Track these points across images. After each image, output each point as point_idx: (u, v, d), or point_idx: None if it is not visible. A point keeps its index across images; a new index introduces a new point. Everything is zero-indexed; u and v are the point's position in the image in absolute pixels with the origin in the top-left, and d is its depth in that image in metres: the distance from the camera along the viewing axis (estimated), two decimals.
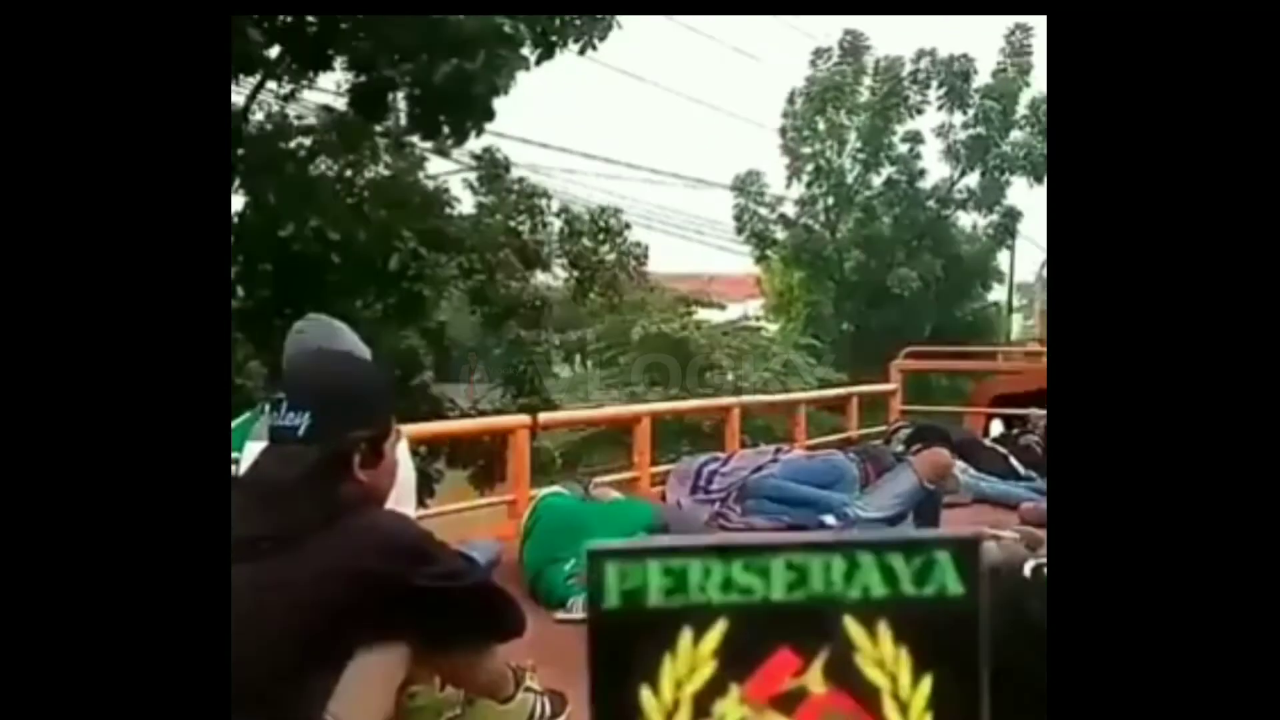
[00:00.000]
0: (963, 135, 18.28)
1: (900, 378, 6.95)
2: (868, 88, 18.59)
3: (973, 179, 18.23)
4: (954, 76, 17.85)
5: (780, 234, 19.02)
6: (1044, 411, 5.89)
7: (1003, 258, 19.37)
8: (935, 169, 18.53)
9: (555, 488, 3.83)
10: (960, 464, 4.96)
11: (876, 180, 18.61)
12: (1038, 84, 17.23)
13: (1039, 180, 16.93)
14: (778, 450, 5.00)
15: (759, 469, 4.62)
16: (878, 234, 18.38)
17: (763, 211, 19.01)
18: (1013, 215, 18.32)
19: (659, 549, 0.36)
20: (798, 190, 18.75)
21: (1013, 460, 5.36)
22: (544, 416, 4.22)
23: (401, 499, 2.26)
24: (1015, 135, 17.90)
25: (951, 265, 18.01)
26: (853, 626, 0.36)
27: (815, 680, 0.36)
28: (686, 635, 0.36)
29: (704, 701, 0.36)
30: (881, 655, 0.36)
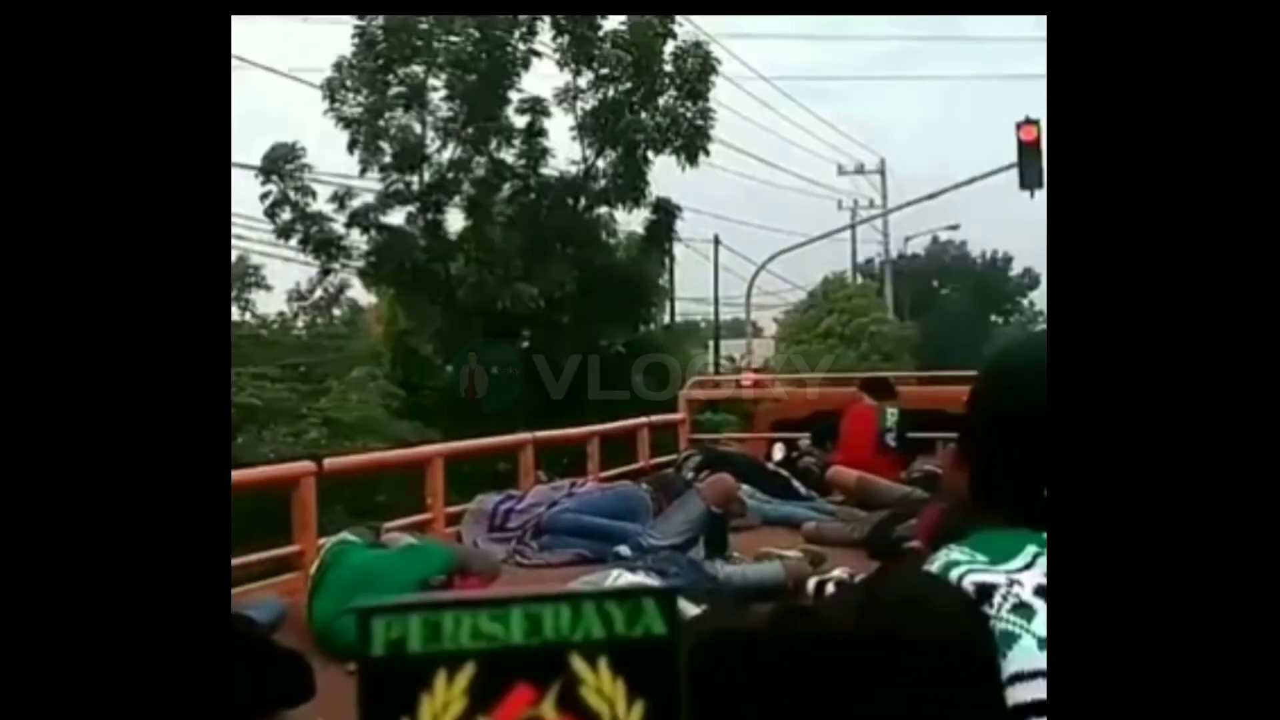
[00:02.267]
0: (592, 101, 13.83)
1: (688, 407, 7.19)
2: (459, 32, 13.11)
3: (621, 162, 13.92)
4: (576, 21, 13.27)
5: (359, 238, 13.67)
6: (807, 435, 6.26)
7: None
8: (566, 148, 14.15)
9: (344, 534, 3.75)
10: (746, 488, 5.18)
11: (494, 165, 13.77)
12: (684, 37, 13.68)
13: (692, 160, 13.65)
14: (572, 484, 5.08)
15: (554, 504, 4.69)
16: (491, 237, 13.72)
17: (322, 208, 13.51)
18: (667, 210, 14.37)
19: (419, 604, 0.43)
20: (376, 178, 13.44)
21: (794, 482, 5.65)
22: (329, 461, 4.13)
23: None
24: (660, 101, 13.75)
25: (595, 277, 13.61)
26: (578, 663, 0.44)
27: (549, 709, 0.44)
28: (441, 677, 0.43)
29: None
30: (601, 686, 0.44)
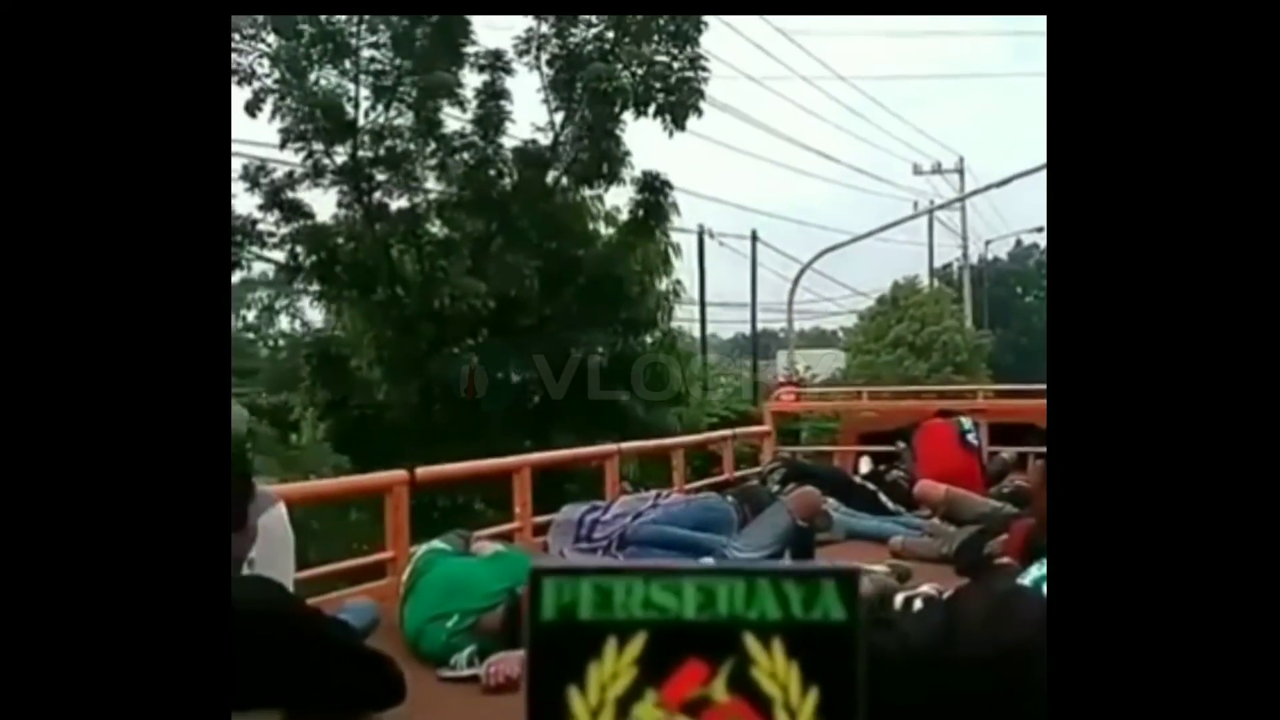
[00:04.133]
0: (557, 48, 10.73)
1: (773, 418, 7.13)
2: None
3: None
4: None
5: (273, 223, 10.59)
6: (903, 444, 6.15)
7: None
8: (529, 112, 11.07)
9: (435, 542, 3.79)
10: (832, 501, 5.12)
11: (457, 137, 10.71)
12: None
13: (679, 123, 10.56)
14: (657, 495, 5.07)
15: (639, 515, 4.68)
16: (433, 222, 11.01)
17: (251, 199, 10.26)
18: (655, 187, 10.99)
19: (590, 569, 0.42)
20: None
21: (881, 496, 5.56)
22: (422, 471, 4.18)
23: (276, 562, 2.23)
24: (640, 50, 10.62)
25: (565, 271, 10.85)
26: (751, 643, 0.42)
27: (719, 689, 0.42)
28: (611, 645, 0.42)
29: (624, 704, 0.41)
30: (775, 669, 0.42)
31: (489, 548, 3.98)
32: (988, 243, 32.18)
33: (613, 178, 11.14)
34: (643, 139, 11.41)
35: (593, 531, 4.65)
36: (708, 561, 4.14)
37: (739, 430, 6.75)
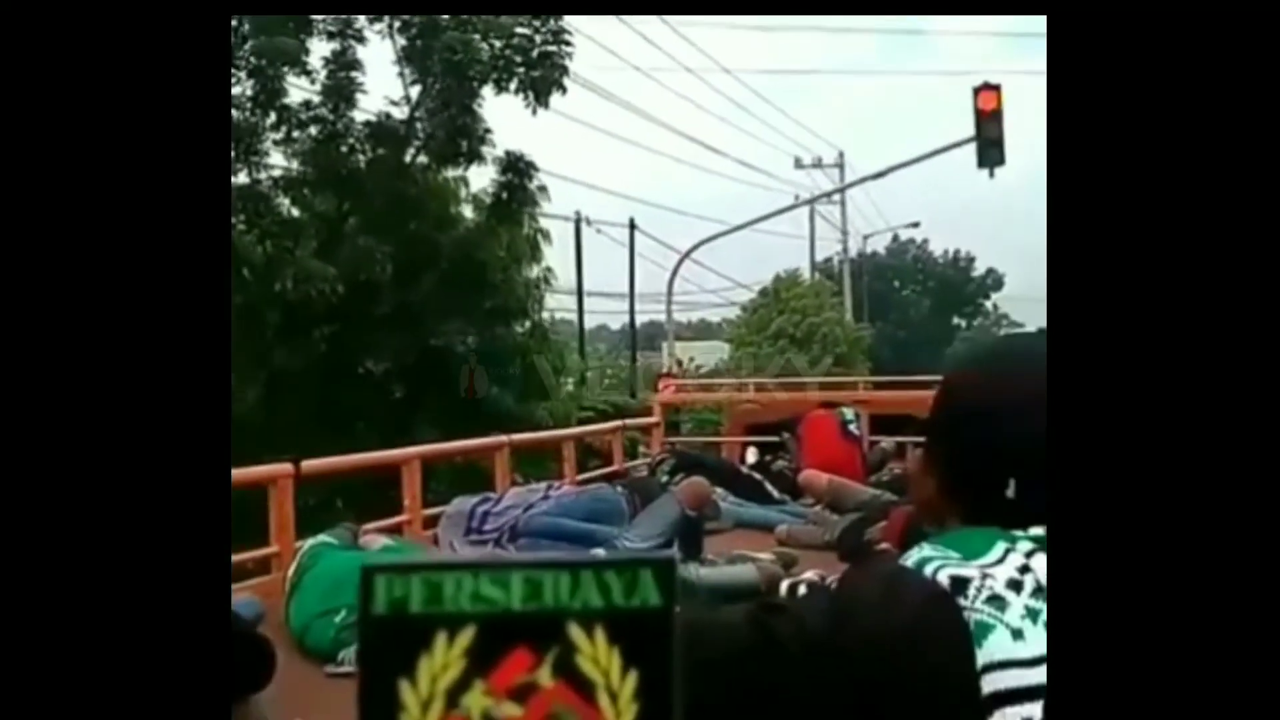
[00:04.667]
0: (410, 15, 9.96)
1: (662, 410, 7.21)
2: None
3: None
4: None
5: None
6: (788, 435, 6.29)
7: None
8: (382, 84, 10.63)
9: (322, 536, 3.74)
10: (720, 491, 5.21)
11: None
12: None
13: (541, 99, 9.98)
14: (549, 487, 5.08)
15: (530, 507, 4.69)
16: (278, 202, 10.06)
17: None
18: (519, 168, 10.42)
19: (421, 565, 0.44)
20: None
21: (768, 485, 5.69)
22: (307, 463, 4.11)
23: None
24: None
25: (423, 256, 10.16)
26: (575, 631, 0.45)
27: (545, 676, 0.45)
28: (441, 638, 0.44)
29: (454, 694, 0.44)
30: (597, 655, 0.45)
31: (378, 541, 3.95)
32: (866, 237, 32.81)
33: (472, 156, 10.46)
34: (514, 121, 10.71)
35: (484, 523, 4.64)
36: (597, 553, 4.18)
37: (629, 421, 6.80)
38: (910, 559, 0.85)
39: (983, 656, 0.79)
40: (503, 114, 10.57)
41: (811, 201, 23.00)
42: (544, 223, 12.09)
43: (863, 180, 19.06)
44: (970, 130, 11.87)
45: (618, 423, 6.64)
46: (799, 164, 27.94)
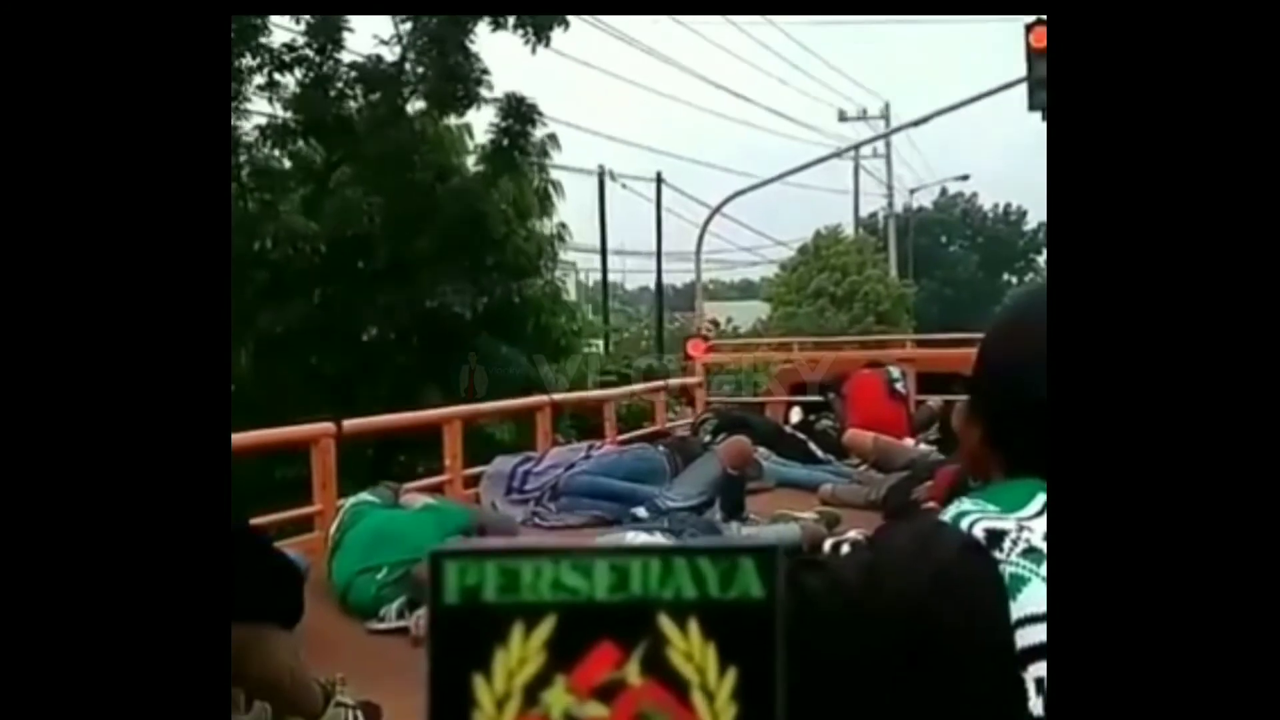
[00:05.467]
0: None
1: (704, 370, 7.16)
2: None
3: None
4: None
5: None
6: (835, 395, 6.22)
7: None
8: (370, 22, 9.64)
9: (363, 495, 3.75)
10: (763, 450, 5.16)
11: None
12: None
13: (541, 37, 9.32)
14: (590, 447, 5.07)
15: (572, 466, 4.68)
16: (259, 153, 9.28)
17: None
18: (520, 113, 9.55)
19: (495, 551, 0.39)
20: None
21: (811, 445, 5.63)
22: (349, 423, 4.12)
23: None
24: None
25: (416, 209, 9.32)
26: (666, 624, 0.40)
27: (633, 672, 0.40)
28: (518, 630, 0.39)
29: (532, 691, 0.39)
30: (691, 650, 0.40)
31: (418, 500, 3.95)
32: (912, 191, 31.91)
33: (469, 100, 9.39)
34: (536, 72, 9.89)
35: (525, 483, 4.64)
36: (639, 511, 4.16)
37: (672, 381, 6.76)
38: (948, 513, 0.84)
39: (1017, 610, 0.77)
40: (520, 62, 9.65)
41: (854, 149, 21.49)
42: (564, 176, 11.20)
43: (905, 126, 17.82)
44: (1021, 72, 11.19)
45: (660, 383, 6.59)
46: (843, 116, 26.99)
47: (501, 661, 0.39)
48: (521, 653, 0.39)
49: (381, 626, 3.06)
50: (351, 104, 9.51)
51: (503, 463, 4.77)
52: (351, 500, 3.66)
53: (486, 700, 0.39)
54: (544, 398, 5.43)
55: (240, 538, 1.77)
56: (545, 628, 0.39)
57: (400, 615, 3.05)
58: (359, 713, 2.21)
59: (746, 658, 0.40)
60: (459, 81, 9.28)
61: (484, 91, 9.40)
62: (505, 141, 9.68)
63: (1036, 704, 0.76)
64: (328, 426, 3.90)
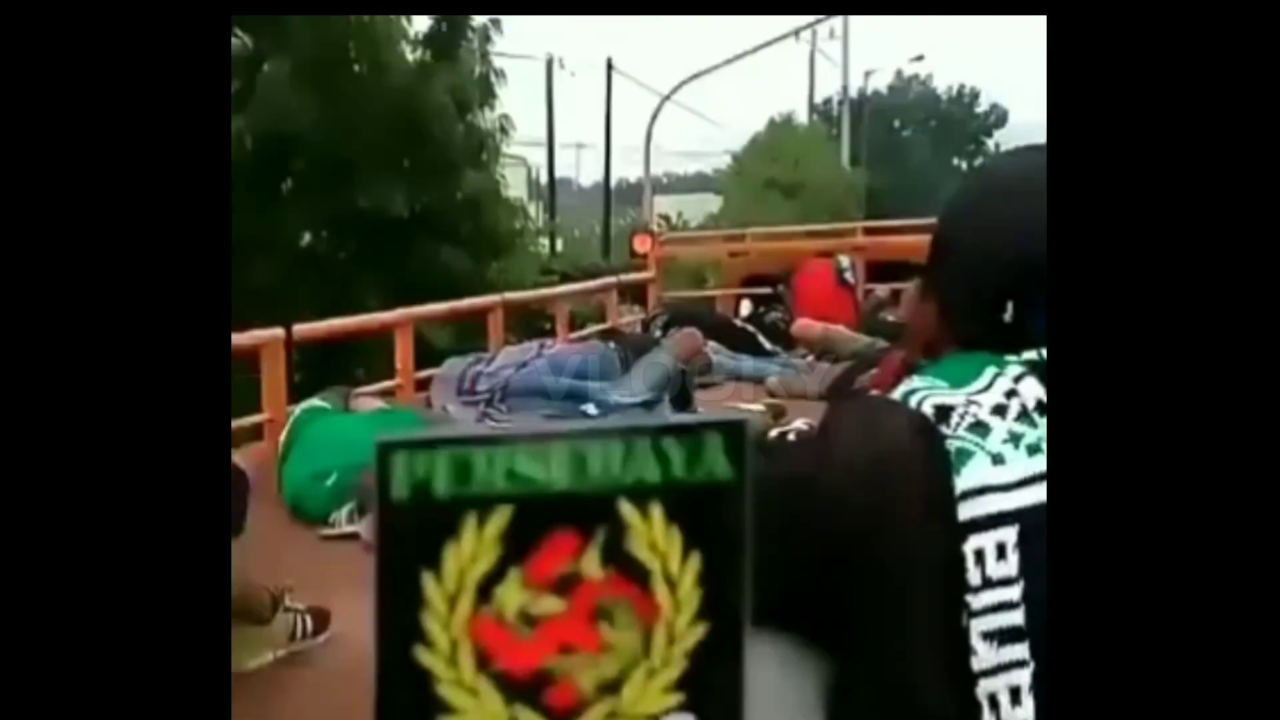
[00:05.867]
0: None
1: (658, 264, 7.11)
2: None
3: None
4: None
5: None
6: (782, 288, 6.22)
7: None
8: None
9: (314, 400, 3.70)
10: (712, 344, 5.17)
11: None
12: None
13: None
14: (541, 346, 5.04)
15: (523, 366, 4.65)
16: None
17: None
18: None
19: (446, 439, 0.36)
20: None
21: (761, 338, 5.65)
22: (299, 328, 4.04)
23: None
24: None
25: (347, 105, 8.92)
26: (627, 510, 0.38)
27: (591, 563, 0.38)
28: (470, 523, 0.37)
29: (485, 587, 0.37)
30: (654, 537, 0.39)
31: (370, 404, 3.92)
32: (868, 74, 31.40)
33: None
34: None
35: (475, 384, 4.60)
36: (588, 408, 4.16)
37: (624, 277, 6.71)
38: (898, 391, 0.85)
39: (961, 483, 0.79)
40: None
41: (810, 28, 20.73)
42: (508, 64, 10.53)
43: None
44: None
45: (613, 279, 6.55)
46: None
47: (453, 557, 0.37)
48: (474, 547, 0.37)
49: (332, 532, 3.05)
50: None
51: (453, 365, 4.72)
52: (302, 405, 3.61)
53: (438, 599, 0.37)
54: (495, 298, 5.36)
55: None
56: (499, 520, 0.37)
57: (350, 520, 3.03)
58: (308, 617, 2.22)
59: (712, 542, 0.39)
60: None
61: None
62: (443, 27, 9.23)
63: (974, 574, 0.77)
64: (276, 332, 3.82)
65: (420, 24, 9.40)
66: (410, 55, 9.54)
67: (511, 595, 0.38)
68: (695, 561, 0.39)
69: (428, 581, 0.37)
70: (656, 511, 0.39)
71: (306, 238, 8.96)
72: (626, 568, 0.39)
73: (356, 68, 9.05)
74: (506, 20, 9.89)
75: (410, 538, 0.37)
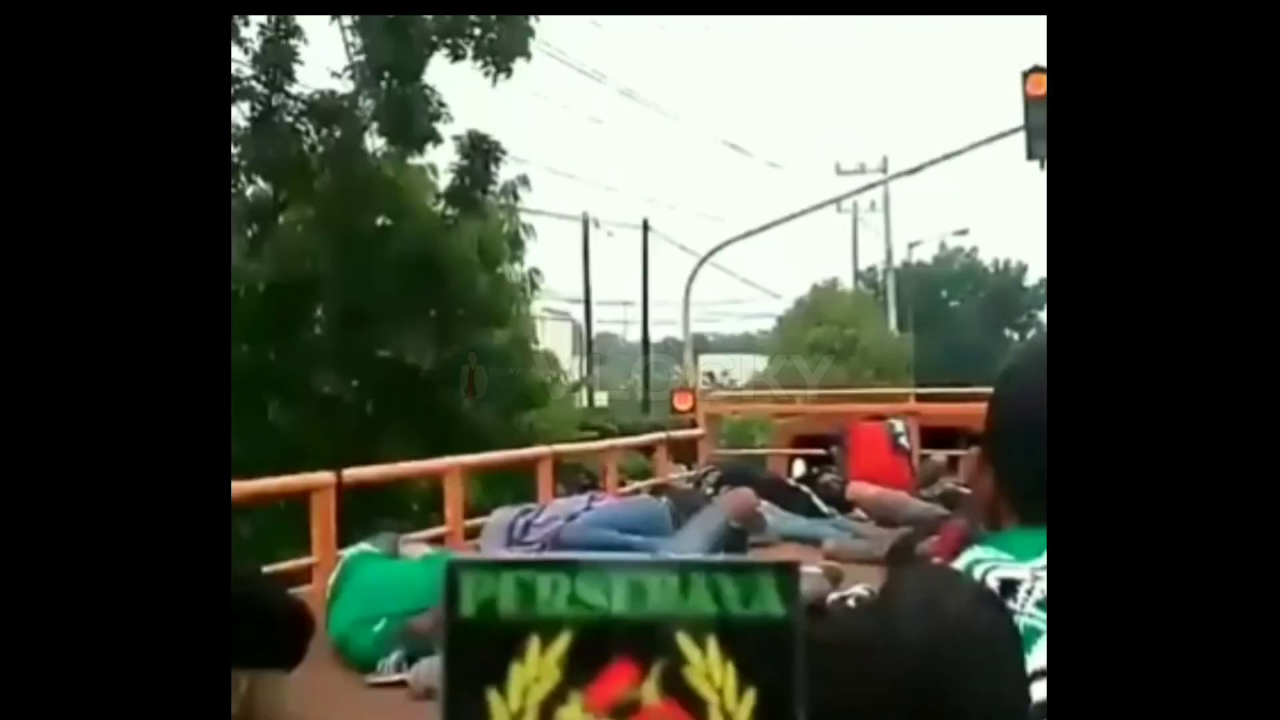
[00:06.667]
0: None
1: (708, 421, 7.13)
2: None
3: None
4: None
5: None
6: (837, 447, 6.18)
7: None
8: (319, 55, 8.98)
9: (363, 545, 3.71)
10: (765, 504, 5.12)
11: None
12: None
13: (503, 69, 8.83)
14: (591, 498, 5.03)
15: (573, 517, 4.64)
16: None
17: None
18: (482, 149, 9.07)
19: (512, 562, 0.38)
20: None
21: (815, 499, 5.59)
22: (349, 473, 4.09)
23: None
24: None
25: (371, 256, 8.79)
26: (684, 642, 0.39)
27: (650, 692, 0.39)
28: (534, 644, 0.38)
29: (548, 708, 0.38)
30: (710, 669, 0.40)
31: (418, 551, 3.91)
32: (911, 246, 31.85)
33: (426, 136, 8.75)
34: (518, 118, 9.55)
35: (526, 534, 4.59)
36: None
37: (674, 434, 6.73)
38: (961, 561, 0.83)
39: (1033, 662, 0.75)
40: (498, 104, 9.17)
41: (851, 197, 20.97)
42: (547, 223, 10.89)
43: (902, 174, 17.08)
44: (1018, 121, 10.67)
45: (662, 434, 6.56)
46: (840, 170, 27.09)
47: (518, 676, 0.38)
48: (538, 668, 0.38)
49: (379, 679, 3.01)
50: (304, 141, 8.88)
51: (503, 514, 4.73)
52: (351, 550, 3.62)
53: (502, 716, 0.38)
54: (546, 449, 5.40)
55: (251, 582, 1.75)
56: (562, 643, 0.39)
57: (399, 668, 3.00)
58: None
59: (766, 677, 0.40)
60: (415, 115, 8.68)
61: (443, 127, 8.83)
62: (466, 180, 9.07)
63: None
64: (327, 476, 3.87)
65: (445, 178, 9.40)
66: (434, 208, 9.47)
67: (574, 717, 0.39)
68: (751, 695, 0.40)
69: (493, 699, 0.38)
70: (713, 644, 0.40)
71: (327, 388, 8.77)
72: (685, 698, 0.39)
73: (374, 215, 9.03)
74: (540, 180, 9.92)
75: (476, 654, 0.38)
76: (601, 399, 17.76)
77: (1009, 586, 0.80)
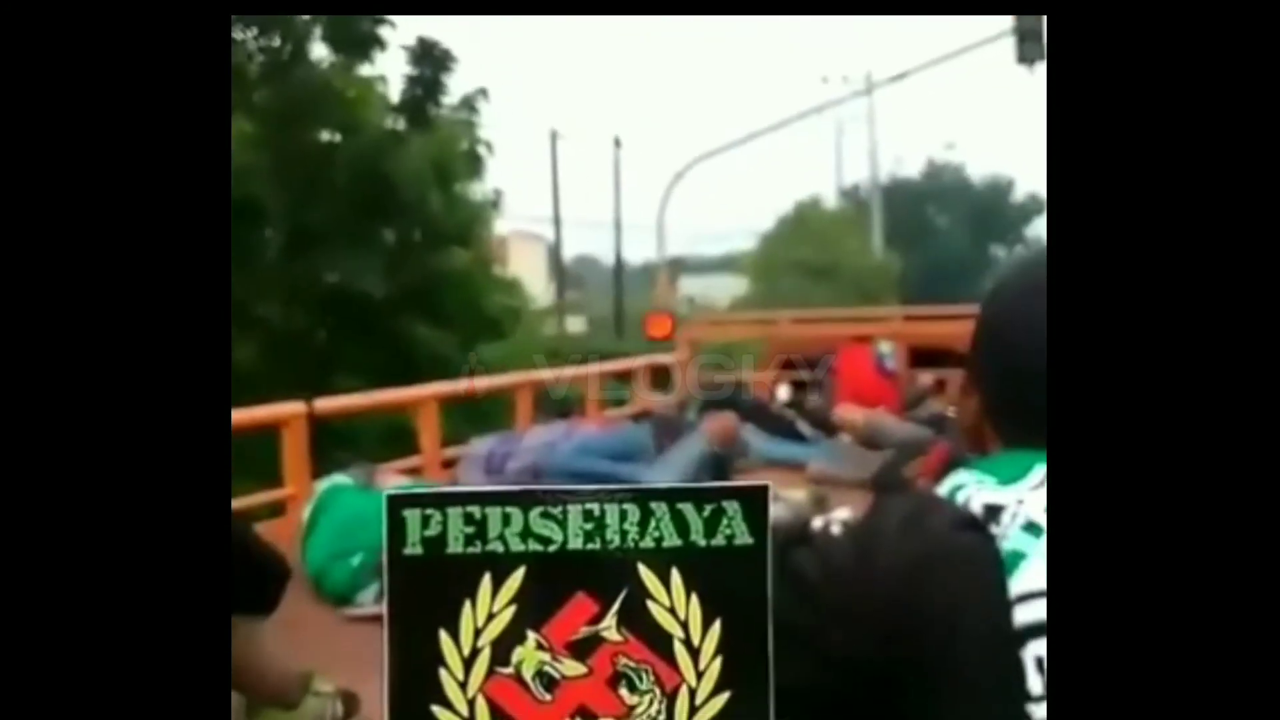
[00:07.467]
0: None
1: (690, 346, 7.12)
2: None
3: None
4: None
5: None
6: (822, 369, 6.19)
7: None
8: None
9: (337, 477, 3.69)
10: (749, 428, 5.13)
11: None
12: None
13: None
14: (571, 425, 5.03)
15: (552, 446, 4.64)
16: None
17: None
18: (433, 58, 8.44)
19: (460, 495, 0.36)
20: None
21: (799, 422, 5.60)
22: (320, 403, 4.05)
23: None
24: None
25: (313, 169, 8.07)
26: (646, 575, 0.37)
27: (610, 628, 0.37)
28: (486, 582, 0.36)
29: (503, 648, 0.36)
30: (673, 603, 0.37)
31: (394, 482, 3.90)
32: (897, 160, 31.32)
33: (369, 43, 7.96)
34: (481, 27, 8.97)
35: (504, 464, 4.59)
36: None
37: (654, 358, 6.72)
38: (944, 486, 0.83)
39: (1015, 586, 0.75)
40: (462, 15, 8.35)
41: (834, 106, 19.26)
42: (513, 140, 10.16)
43: (888, 82, 16.35)
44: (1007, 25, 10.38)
45: (641, 360, 6.55)
46: (826, 80, 26.39)
47: (469, 618, 0.36)
48: (490, 608, 0.36)
49: (357, 613, 3.02)
50: (242, 50, 8.17)
51: (481, 443, 4.72)
52: (325, 482, 3.60)
53: (454, 658, 0.36)
54: (524, 376, 5.37)
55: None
56: (515, 579, 0.36)
57: (376, 601, 3.00)
58: (338, 702, 2.18)
59: (734, 609, 0.37)
60: (359, 21, 7.95)
61: (388, 33, 8.16)
62: (417, 92, 8.44)
63: (1035, 682, 0.74)
64: (298, 407, 3.84)
65: (395, 90, 8.69)
66: (385, 124, 8.77)
67: (531, 656, 0.36)
68: (717, 630, 0.38)
69: (444, 640, 0.36)
70: (676, 576, 0.37)
71: (276, 315, 8.22)
72: (648, 633, 0.37)
73: (319, 130, 8.35)
74: (497, 92, 9.18)
75: (425, 595, 0.36)
76: (578, 324, 17.49)
77: (992, 511, 0.78)
